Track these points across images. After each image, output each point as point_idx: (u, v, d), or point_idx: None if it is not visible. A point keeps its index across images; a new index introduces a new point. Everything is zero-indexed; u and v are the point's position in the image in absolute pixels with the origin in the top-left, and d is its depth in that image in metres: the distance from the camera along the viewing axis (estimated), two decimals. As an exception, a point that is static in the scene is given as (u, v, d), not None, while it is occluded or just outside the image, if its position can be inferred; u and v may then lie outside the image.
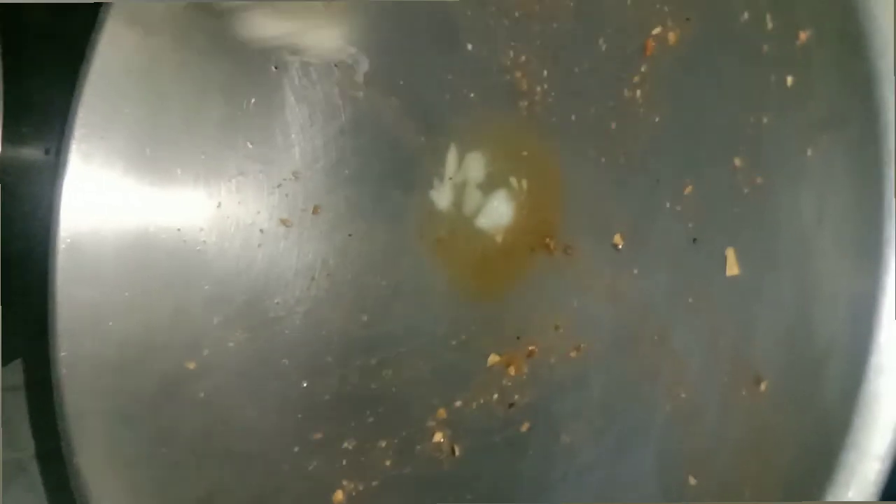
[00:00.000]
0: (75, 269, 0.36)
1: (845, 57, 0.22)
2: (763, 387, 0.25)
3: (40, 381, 0.49)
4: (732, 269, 0.27)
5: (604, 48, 0.32)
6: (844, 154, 0.23)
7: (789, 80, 0.24)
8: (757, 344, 0.26)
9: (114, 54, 0.36)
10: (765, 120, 0.26)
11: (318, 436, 0.38)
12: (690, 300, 0.29)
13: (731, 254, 0.27)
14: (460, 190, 0.39)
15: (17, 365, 0.49)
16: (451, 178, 0.39)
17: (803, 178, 0.24)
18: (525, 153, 0.36)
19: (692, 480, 0.28)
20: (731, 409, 0.26)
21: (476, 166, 0.38)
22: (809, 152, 0.24)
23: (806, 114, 0.24)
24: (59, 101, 0.37)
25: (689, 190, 0.29)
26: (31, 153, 0.41)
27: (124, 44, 0.36)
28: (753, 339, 0.26)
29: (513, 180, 0.37)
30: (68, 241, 0.36)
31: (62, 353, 0.35)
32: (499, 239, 0.37)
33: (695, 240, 0.29)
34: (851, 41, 0.21)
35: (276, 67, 0.39)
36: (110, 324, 0.36)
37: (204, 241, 0.39)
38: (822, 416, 0.23)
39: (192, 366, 0.37)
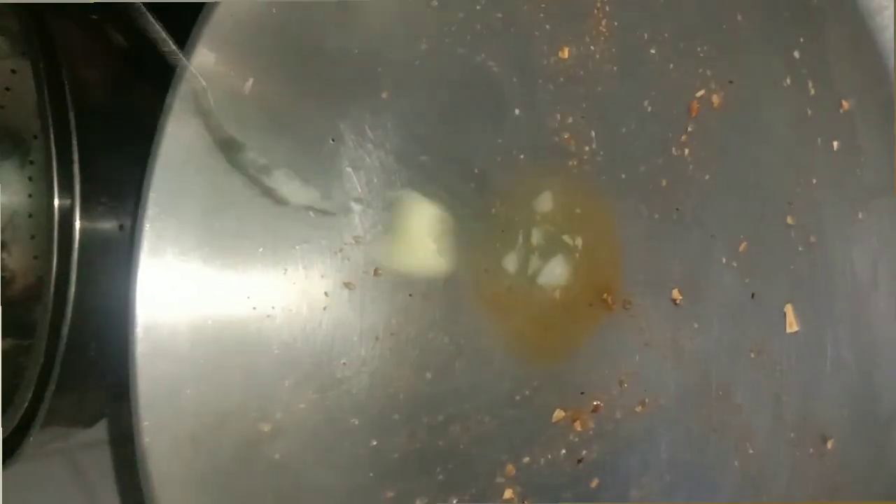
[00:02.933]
0: (152, 342, 0.37)
1: (888, 127, 0.22)
2: (830, 445, 0.25)
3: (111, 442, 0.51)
4: (792, 325, 0.27)
5: (649, 109, 0.32)
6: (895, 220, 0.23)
7: (835, 144, 0.25)
8: (821, 402, 0.26)
9: (180, 137, 0.37)
10: (814, 181, 0.26)
11: (391, 494, 0.39)
12: (752, 356, 0.29)
13: (789, 310, 0.28)
14: (515, 248, 0.39)
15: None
16: (505, 237, 0.40)
17: (856, 240, 0.24)
18: (578, 211, 0.37)
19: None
20: (800, 467, 0.26)
21: (529, 227, 0.39)
22: (861, 216, 0.24)
23: (855, 178, 0.24)
24: (129, 178, 0.39)
25: (744, 246, 0.30)
26: (106, 229, 0.43)
27: (189, 127, 0.37)
28: (817, 397, 0.26)
29: (567, 238, 0.37)
30: (145, 317, 0.37)
31: (145, 423, 0.37)
32: (557, 296, 0.38)
33: (753, 295, 0.29)
34: (892, 110, 0.22)
35: (333, 140, 0.40)
36: (188, 392, 0.37)
37: (272, 307, 0.40)
38: (890, 479, 0.23)
39: (266, 428, 0.38)
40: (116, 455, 0.51)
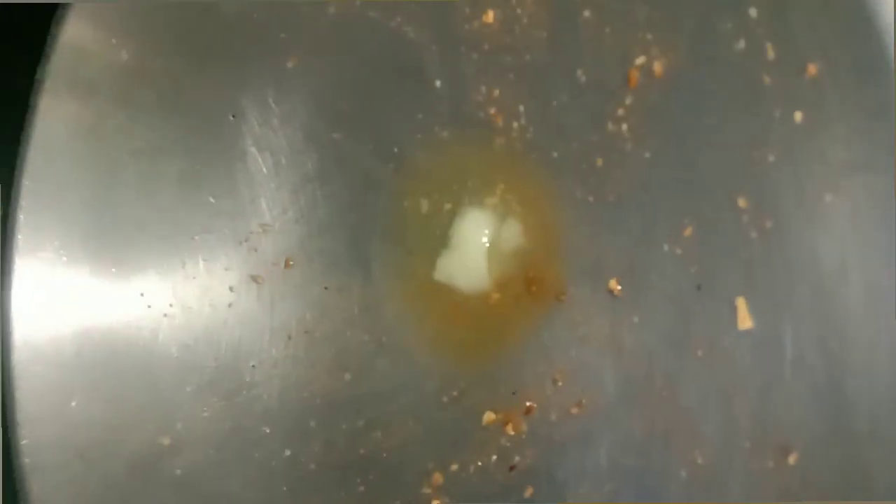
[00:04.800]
0: (33, 348, 0.34)
1: (865, 93, 0.20)
2: (792, 459, 0.23)
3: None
4: (745, 321, 0.25)
5: (583, 80, 0.30)
6: (872, 201, 0.21)
7: (798, 115, 0.22)
8: (781, 409, 0.24)
9: (56, 116, 0.34)
10: (771, 158, 0.24)
11: None
12: (700, 353, 0.27)
13: (741, 304, 0.25)
14: (438, 235, 0.37)
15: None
16: (427, 225, 0.37)
17: (821, 225, 0.22)
18: (506, 194, 0.34)
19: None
20: (757, 483, 0.24)
21: (454, 210, 0.36)
22: (828, 198, 0.21)
23: (821, 154, 0.22)
24: (7, 169, 0.35)
25: (688, 231, 0.27)
26: None
27: (67, 104, 0.34)
28: (776, 403, 0.24)
29: (494, 224, 0.35)
30: (23, 319, 0.34)
31: (24, 441, 0.33)
32: (484, 288, 0.35)
33: (699, 286, 0.27)
34: (870, 76, 0.19)
35: (233, 116, 0.37)
36: (73, 404, 0.34)
37: (170, 305, 0.37)
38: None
39: (166, 441, 0.36)
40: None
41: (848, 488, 0.21)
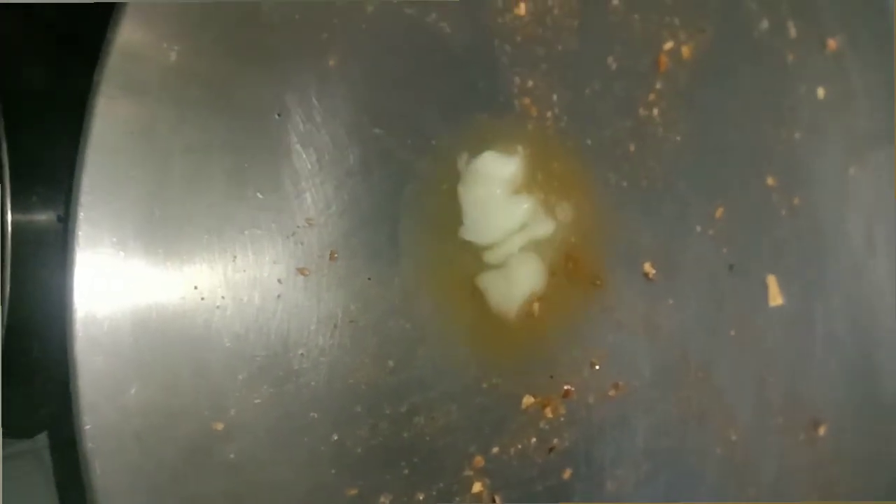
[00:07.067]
0: (93, 338, 0.35)
1: (886, 65, 0.20)
2: (822, 431, 0.23)
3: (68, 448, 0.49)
4: (776, 298, 0.25)
5: (614, 67, 0.30)
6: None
7: (821, 91, 0.22)
8: (811, 383, 0.24)
9: (112, 117, 0.35)
10: (797, 135, 0.24)
11: (353, 492, 0.37)
12: (733, 333, 0.27)
13: (772, 282, 0.25)
14: (476, 225, 0.37)
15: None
16: (465, 214, 0.38)
17: (848, 200, 0.22)
18: (542, 183, 0.34)
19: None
20: (790, 456, 0.24)
21: (489, 201, 0.36)
22: (852, 171, 0.21)
23: (844, 128, 0.22)
24: (65, 165, 0.37)
25: (720, 213, 0.27)
26: (43, 220, 0.41)
27: (121, 105, 0.35)
28: (807, 377, 0.24)
29: (530, 212, 0.35)
30: (84, 310, 0.35)
31: (87, 427, 0.35)
32: (521, 275, 0.36)
33: (731, 266, 0.27)
34: (890, 47, 0.19)
35: (278, 115, 0.38)
36: (132, 391, 0.35)
37: (222, 297, 0.38)
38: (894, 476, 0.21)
39: (219, 427, 0.37)
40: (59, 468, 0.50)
41: (876, 456, 0.21)
